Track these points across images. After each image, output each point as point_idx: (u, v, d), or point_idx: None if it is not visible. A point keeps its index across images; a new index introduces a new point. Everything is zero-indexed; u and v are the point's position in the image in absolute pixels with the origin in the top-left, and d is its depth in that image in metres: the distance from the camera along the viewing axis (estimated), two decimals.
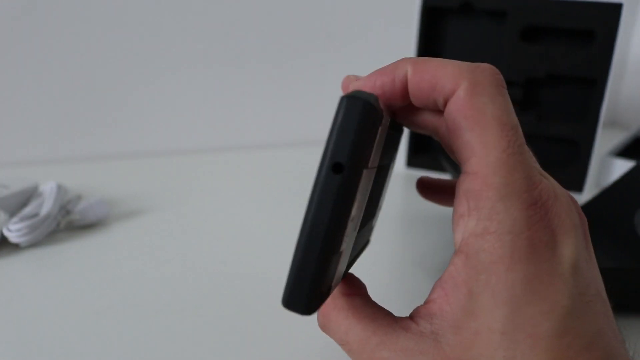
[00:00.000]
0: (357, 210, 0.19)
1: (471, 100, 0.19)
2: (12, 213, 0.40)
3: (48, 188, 0.42)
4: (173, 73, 0.61)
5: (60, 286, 0.34)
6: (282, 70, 0.66)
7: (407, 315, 0.21)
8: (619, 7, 0.46)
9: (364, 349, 0.20)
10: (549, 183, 0.19)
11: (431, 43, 0.54)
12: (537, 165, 0.20)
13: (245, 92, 0.65)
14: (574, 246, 0.18)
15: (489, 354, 0.18)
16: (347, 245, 0.20)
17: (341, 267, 0.21)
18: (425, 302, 0.20)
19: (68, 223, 0.41)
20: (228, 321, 0.31)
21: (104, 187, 0.50)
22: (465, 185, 0.19)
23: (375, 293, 0.36)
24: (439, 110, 0.21)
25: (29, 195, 0.43)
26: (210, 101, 0.63)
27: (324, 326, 0.22)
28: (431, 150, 0.59)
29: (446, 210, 0.48)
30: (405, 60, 0.21)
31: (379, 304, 0.22)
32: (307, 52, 0.66)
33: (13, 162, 0.57)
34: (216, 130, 0.65)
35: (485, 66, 0.20)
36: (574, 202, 0.20)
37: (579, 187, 0.52)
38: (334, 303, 0.22)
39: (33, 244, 0.39)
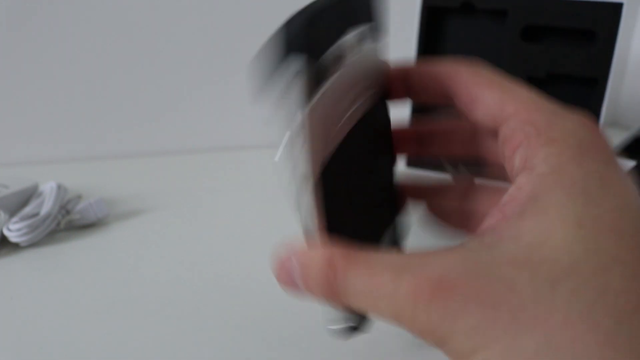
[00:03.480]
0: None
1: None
2: (12, 213, 0.40)
3: (48, 188, 0.42)
4: (173, 73, 0.61)
5: (60, 286, 0.34)
6: None
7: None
8: (619, 6, 0.46)
9: (402, 272, 0.17)
10: None
11: (431, 43, 0.54)
12: None
13: (246, 92, 0.65)
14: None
15: (566, 248, 0.16)
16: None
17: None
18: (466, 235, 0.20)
19: (68, 223, 0.41)
20: (228, 321, 0.31)
21: (104, 187, 0.50)
22: (513, 123, 0.19)
23: None
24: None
25: (29, 195, 0.43)
26: (210, 101, 0.63)
27: (336, 289, 0.18)
28: None
29: None
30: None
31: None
32: None
33: (13, 162, 0.57)
34: (216, 130, 0.65)
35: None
36: None
37: None
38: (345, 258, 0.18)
39: (33, 244, 0.39)
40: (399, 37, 0.72)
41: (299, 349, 0.29)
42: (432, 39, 0.54)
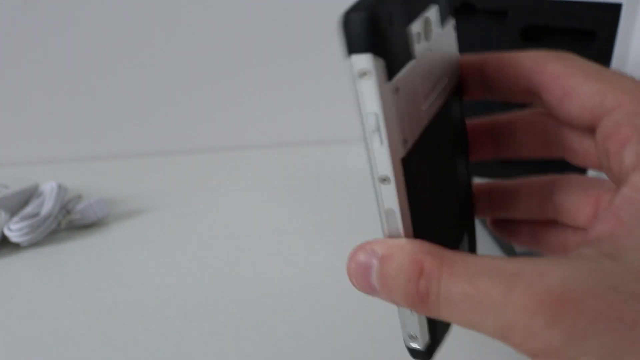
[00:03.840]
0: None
1: None
2: (12, 213, 0.40)
3: (48, 188, 0.42)
4: (173, 73, 0.61)
5: (60, 286, 0.34)
6: (283, 70, 0.66)
7: None
8: (619, 7, 0.47)
9: (514, 281, 0.14)
10: None
11: None
12: None
13: (246, 92, 0.65)
14: None
15: None
16: None
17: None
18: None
19: (68, 223, 0.41)
20: (228, 321, 0.31)
21: (104, 187, 0.50)
22: (618, 115, 0.17)
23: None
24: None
25: (29, 195, 0.43)
26: (210, 101, 0.63)
27: (425, 296, 0.15)
28: None
29: None
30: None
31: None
32: (308, 52, 0.66)
33: (13, 162, 0.57)
34: (216, 130, 0.65)
35: None
36: None
37: None
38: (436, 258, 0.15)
39: (33, 244, 0.39)
40: None
41: (299, 349, 0.29)
42: None
